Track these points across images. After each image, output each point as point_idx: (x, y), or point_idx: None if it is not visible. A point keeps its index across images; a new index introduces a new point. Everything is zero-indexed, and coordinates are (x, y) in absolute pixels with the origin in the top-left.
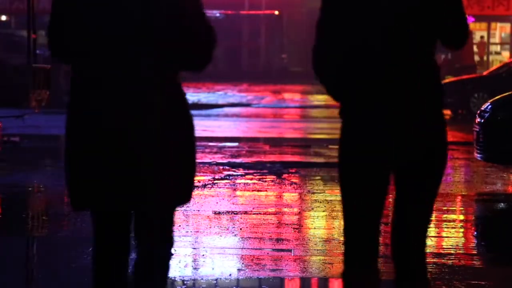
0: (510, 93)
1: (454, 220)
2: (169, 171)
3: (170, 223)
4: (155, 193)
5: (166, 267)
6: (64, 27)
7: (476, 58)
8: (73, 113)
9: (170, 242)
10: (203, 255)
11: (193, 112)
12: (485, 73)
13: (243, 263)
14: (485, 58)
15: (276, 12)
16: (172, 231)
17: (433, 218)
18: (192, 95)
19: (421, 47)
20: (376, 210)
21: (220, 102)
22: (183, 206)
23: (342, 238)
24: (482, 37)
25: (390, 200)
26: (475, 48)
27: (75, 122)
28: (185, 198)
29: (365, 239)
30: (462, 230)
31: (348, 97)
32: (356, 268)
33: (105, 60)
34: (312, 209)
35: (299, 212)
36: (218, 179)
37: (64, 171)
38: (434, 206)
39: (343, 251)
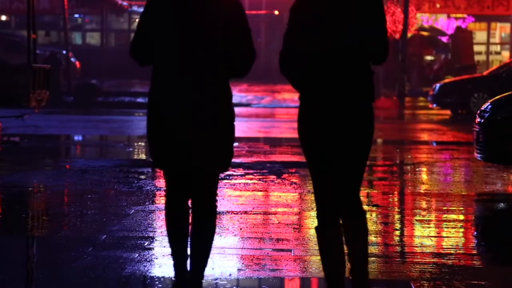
0: (510, 93)
1: (454, 220)
2: (220, 147)
3: (215, 184)
4: (207, 161)
5: (215, 212)
6: (147, 41)
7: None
8: (153, 100)
9: (215, 196)
10: None
11: None
12: (485, 73)
13: (243, 263)
14: None
15: (276, 12)
16: (216, 189)
17: (433, 218)
18: None
19: (355, 57)
20: (329, 170)
21: None
22: (224, 172)
23: (342, 238)
24: None
25: (390, 200)
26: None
27: (155, 107)
28: (225, 167)
29: (327, 196)
30: (462, 230)
31: (304, 87)
32: (325, 223)
33: (176, 64)
34: (312, 209)
35: (299, 212)
36: None
37: (148, 141)
38: (434, 206)
39: (316, 211)
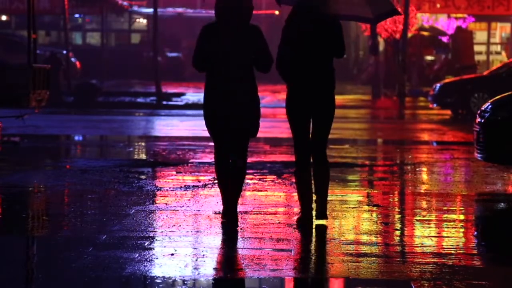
0: (510, 93)
1: (454, 220)
2: (249, 120)
3: (246, 145)
4: (243, 130)
5: (245, 165)
6: (203, 55)
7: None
8: (208, 92)
9: (246, 154)
10: (203, 255)
11: (194, 112)
12: (485, 73)
13: (243, 263)
14: None
15: (276, 12)
16: (248, 147)
17: (433, 218)
18: (193, 95)
19: (325, 57)
20: (305, 133)
21: None
22: (254, 137)
23: (342, 238)
24: None
25: (386, 202)
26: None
27: (208, 96)
28: (255, 134)
29: (303, 150)
30: (462, 230)
31: (291, 79)
32: (301, 168)
33: (223, 69)
34: (312, 209)
35: (299, 212)
36: None
37: (204, 118)
38: (434, 206)
39: (295, 160)
